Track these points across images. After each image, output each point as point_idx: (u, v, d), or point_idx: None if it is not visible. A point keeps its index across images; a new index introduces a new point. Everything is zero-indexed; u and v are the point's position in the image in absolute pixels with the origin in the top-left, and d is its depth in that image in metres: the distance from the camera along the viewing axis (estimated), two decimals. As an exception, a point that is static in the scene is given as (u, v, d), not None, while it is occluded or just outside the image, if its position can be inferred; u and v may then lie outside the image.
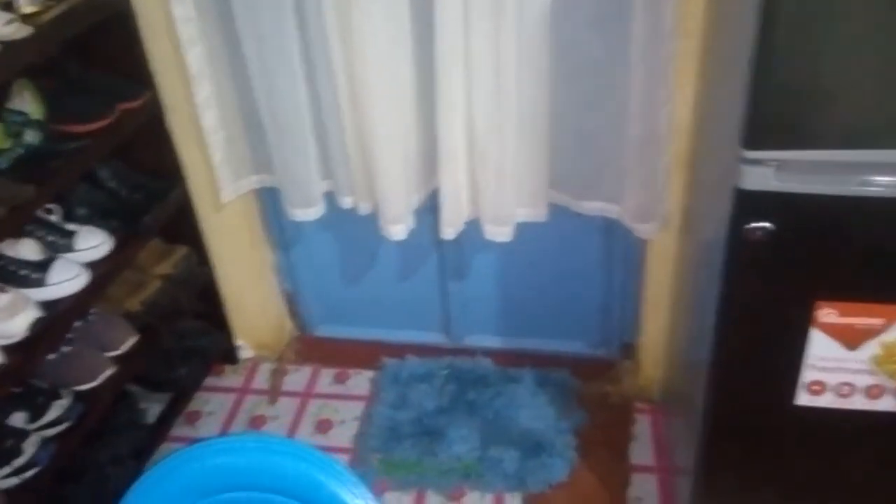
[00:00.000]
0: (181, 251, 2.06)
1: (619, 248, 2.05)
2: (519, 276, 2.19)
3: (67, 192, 1.80)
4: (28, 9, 1.56)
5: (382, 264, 2.26)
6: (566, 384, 2.18)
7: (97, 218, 1.82)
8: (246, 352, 2.36)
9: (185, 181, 2.02)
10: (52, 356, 1.69)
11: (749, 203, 1.20)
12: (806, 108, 1.14)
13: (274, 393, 2.26)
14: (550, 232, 1.94)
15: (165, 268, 2.01)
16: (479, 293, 2.25)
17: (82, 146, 1.70)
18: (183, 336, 2.15)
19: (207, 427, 2.15)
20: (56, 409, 1.60)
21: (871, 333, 1.29)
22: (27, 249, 1.66)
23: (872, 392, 1.34)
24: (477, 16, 1.61)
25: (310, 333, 2.45)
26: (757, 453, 1.50)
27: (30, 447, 1.51)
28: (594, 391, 2.18)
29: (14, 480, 1.49)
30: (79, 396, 1.70)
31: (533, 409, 2.08)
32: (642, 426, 2.08)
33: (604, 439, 2.04)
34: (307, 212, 2.00)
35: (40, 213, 1.71)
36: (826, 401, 1.35)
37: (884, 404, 1.35)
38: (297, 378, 2.31)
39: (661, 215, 1.79)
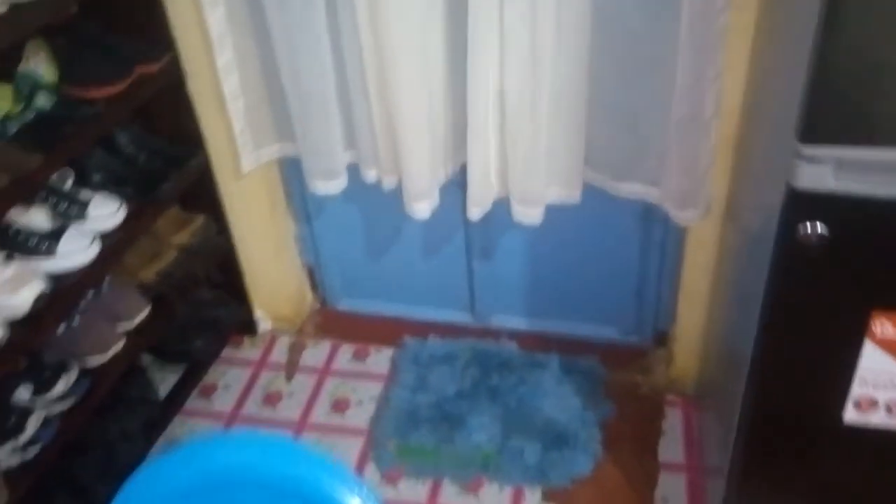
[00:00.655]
0: (199, 220, 1.99)
1: (656, 232, 1.94)
2: (548, 256, 2.09)
3: (82, 157, 1.74)
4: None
5: (407, 239, 2.18)
6: (594, 372, 2.09)
7: (112, 184, 1.76)
8: (265, 324, 2.30)
9: (206, 148, 1.94)
10: (61, 328, 1.64)
11: (803, 203, 1.08)
12: (873, 100, 1.01)
13: (291, 368, 2.20)
14: (583, 212, 1.83)
15: (183, 237, 1.95)
16: (506, 272, 2.16)
17: (97, 112, 1.62)
18: (199, 306, 2.10)
19: (222, 401, 2.10)
20: (62, 384, 1.55)
21: (930, 349, 1.18)
22: (37, 218, 1.60)
23: (928, 412, 1.23)
24: (514, -19, 1.49)
25: (331, 307, 2.38)
26: (796, 465, 1.40)
27: (32, 424, 1.47)
28: (623, 381, 2.08)
29: (16, 458, 1.45)
30: (87, 371, 1.65)
31: (558, 398, 1.99)
32: (673, 421, 1.99)
33: (631, 433, 1.95)
34: (329, 184, 1.91)
35: (52, 180, 1.65)
36: (877, 419, 1.24)
37: (940, 426, 1.24)
38: (315, 353, 2.24)
39: (704, 202, 1.66)
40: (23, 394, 1.52)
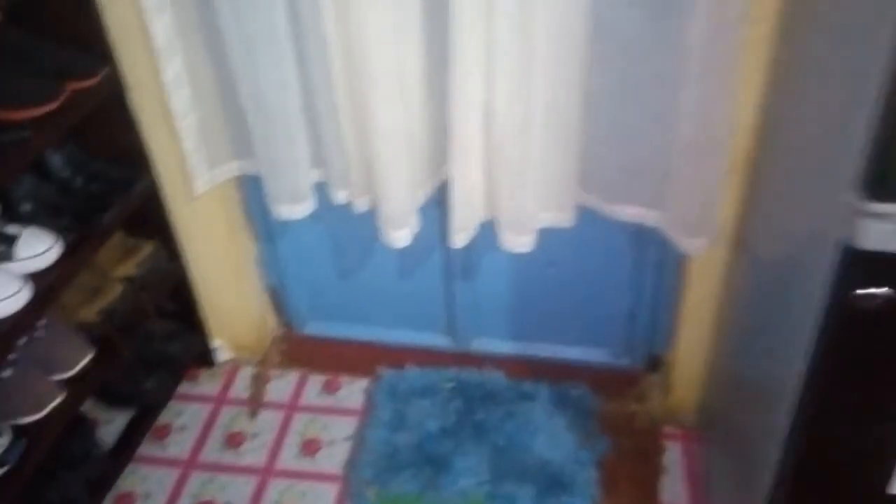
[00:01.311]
0: (147, 248, 1.78)
1: (651, 252, 1.79)
2: (534, 275, 1.92)
3: (8, 186, 1.51)
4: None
5: (380, 257, 1.98)
6: (586, 403, 1.93)
7: (45, 215, 1.53)
8: (224, 353, 2.10)
9: (153, 169, 1.72)
10: (-12, 385, 1.43)
11: (865, 265, 0.93)
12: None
13: (255, 403, 2.00)
14: (573, 229, 1.66)
15: (129, 268, 1.73)
16: (488, 292, 1.98)
17: (23, 136, 1.40)
18: (151, 340, 1.88)
19: (178, 445, 1.90)
20: (-9, 453, 1.34)
21: None
22: (-46, 261, 1.38)
23: None
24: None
25: (297, 332, 2.18)
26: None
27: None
28: (618, 411, 1.93)
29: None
30: (21, 431, 1.44)
31: (550, 435, 1.83)
32: (673, 456, 1.84)
33: (630, 473, 1.80)
34: (295, 209, 1.71)
35: (-29, 214, 1.43)
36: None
37: None
38: (281, 386, 2.05)
39: (713, 230, 1.51)
40: (-58, 469, 1.31)
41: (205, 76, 1.60)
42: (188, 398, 2.01)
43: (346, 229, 1.93)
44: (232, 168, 1.75)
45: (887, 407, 1.06)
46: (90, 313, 1.64)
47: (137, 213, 1.70)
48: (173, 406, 1.98)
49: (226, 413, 1.98)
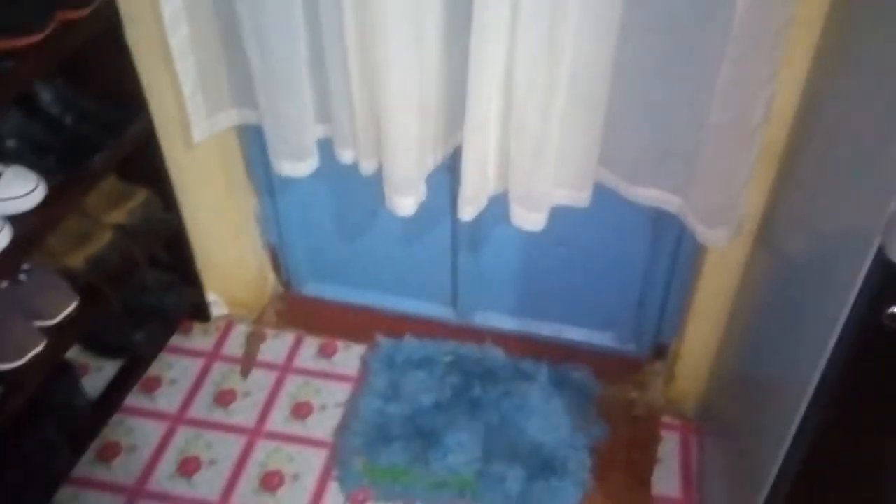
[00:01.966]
0: (140, 196, 1.70)
1: (667, 238, 1.70)
2: (543, 252, 1.84)
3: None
4: None
5: (385, 222, 1.90)
6: (586, 386, 1.87)
7: (31, 154, 1.46)
8: (219, 309, 2.04)
9: (148, 112, 1.64)
10: (-35, 330, 1.38)
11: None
12: None
13: (248, 362, 1.95)
14: (588, 208, 1.57)
15: (119, 216, 1.66)
16: (495, 265, 1.90)
17: (6, 67, 1.31)
18: (142, 291, 1.82)
19: (167, 399, 1.85)
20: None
21: None
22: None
23: None
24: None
25: (295, 291, 2.11)
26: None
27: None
28: (617, 397, 1.87)
29: None
30: (0, 378, 1.39)
31: (546, 417, 1.77)
32: (669, 446, 1.78)
33: (624, 461, 1.74)
34: (297, 166, 1.62)
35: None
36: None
37: None
38: (276, 346, 1.99)
39: (736, 221, 1.42)
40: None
41: (206, 15, 1.49)
42: (180, 352, 1.96)
43: (352, 190, 1.84)
44: (232, 117, 1.66)
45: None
46: (77, 260, 1.57)
47: (131, 159, 1.62)
48: (165, 359, 1.93)
49: (218, 370, 1.93)
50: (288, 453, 1.74)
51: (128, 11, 1.51)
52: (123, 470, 1.70)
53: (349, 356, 1.96)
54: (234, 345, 1.99)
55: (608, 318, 1.93)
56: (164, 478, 1.69)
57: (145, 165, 1.70)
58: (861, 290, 0.88)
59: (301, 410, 1.83)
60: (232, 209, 1.89)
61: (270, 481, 1.69)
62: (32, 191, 1.39)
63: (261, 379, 1.91)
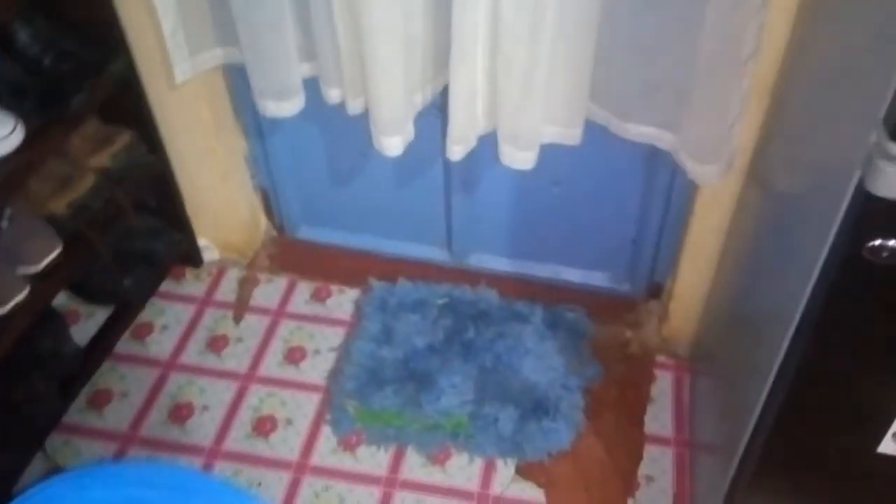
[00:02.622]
0: (125, 138, 1.67)
1: (661, 176, 1.66)
2: (537, 192, 1.81)
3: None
4: None
5: (378, 163, 1.87)
6: (580, 327, 1.86)
7: (8, 96, 1.42)
8: (211, 253, 2.02)
9: (130, 51, 1.59)
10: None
11: (879, 214, 0.82)
12: None
13: (240, 307, 1.94)
14: (580, 147, 1.53)
15: (102, 159, 1.63)
16: (489, 207, 1.88)
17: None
18: (130, 236, 1.80)
19: (159, 345, 1.85)
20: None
21: None
22: None
23: None
24: None
25: (289, 235, 2.09)
26: (813, 477, 1.19)
27: None
28: (612, 337, 1.86)
29: None
30: (-17, 326, 1.39)
31: (539, 358, 1.77)
32: (662, 385, 1.78)
33: (618, 400, 1.74)
34: (282, 105, 1.59)
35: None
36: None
37: None
38: (268, 291, 1.98)
39: (727, 158, 1.38)
40: None
41: (184, -50, 1.44)
42: (172, 297, 1.95)
43: (343, 131, 1.80)
44: (216, 56, 1.62)
45: (882, 364, 0.97)
46: (60, 205, 1.55)
47: (113, 100, 1.59)
48: (156, 305, 1.93)
49: (210, 315, 1.92)
50: (281, 398, 1.74)
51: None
52: (115, 416, 1.70)
53: (343, 300, 1.95)
54: (227, 290, 1.98)
55: (603, 258, 1.91)
56: (156, 424, 1.69)
57: (128, 107, 1.66)
58: (842, 224, 0.86)
59: (294, 355, 1.83)
60: (220, 152, 1.86)
61: (263, 426, 1.69)
62: (10, 133, 1.36)
63: (254, 324, 1.90)
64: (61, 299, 1.87)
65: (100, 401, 1.73)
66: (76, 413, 1.70)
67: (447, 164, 1.79)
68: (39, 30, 1.50)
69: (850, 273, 0.89)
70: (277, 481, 1.60)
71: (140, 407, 1.72)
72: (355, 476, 1.61)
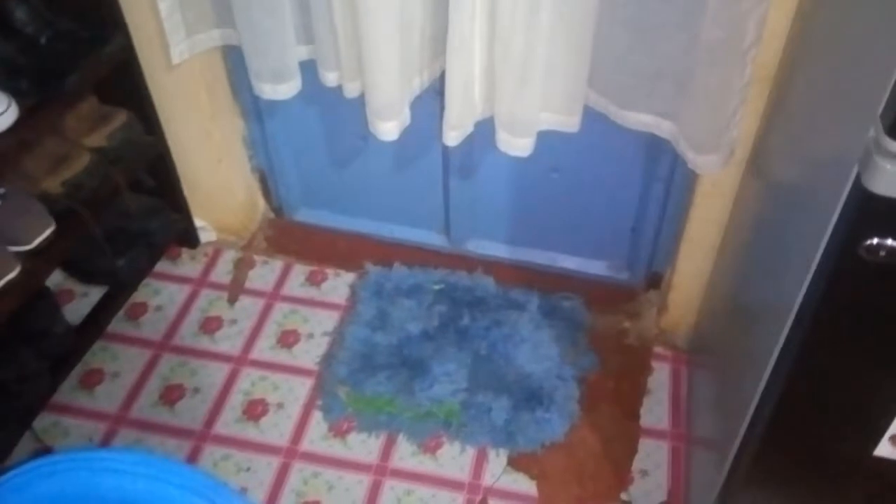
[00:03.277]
0: (120, 118, 1.65)
1: (662, 165, 1.65)
2: (536, 179, 1.79)
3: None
4: None
5: (376, 147, 1.82)
6: (577, 316, 1.84)
7: (3, 75, 1.41)
8: (208, 234, 2.01)
9: (128, 30, 1.58)
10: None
11: (877, 212, 0.80)
12: None
13: (235, 289, 1.93)
14: (580, 134, 1.51)
15: (99, 139, 1.62)
16: (487, 192, 1.86)
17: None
18: (126, 216, 1.79)
19: (152, 325, 1.84)
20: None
21: None
22: None
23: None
24: None
25: (286, 218, 2.08)
26: (808, 476, 1.18)
27: None
28: (609, 327, 1.85)
29: None
30: (-26, 305, 1.38)
31: (535, 347, 1.75)
32: (660, 377, 1.76)
33: (613, 391, 1.73)
34: (279, 88, 1.57)
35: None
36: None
37: None
38: (264, 273, 1.97)
39: (728, 148, 1.36)
40: None
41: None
42: (167, 278, 1.94)
43: (342, 114, 1.78)
44: (213, 37, 1.60)
45: (878, 364, 0.95)
46: (54, 184, 1.54)
47: (110, 80, 1.58)
48: (151, 285, 1.92)
49: (204, 296, 1.91)
50: (273, 382, 1.74)
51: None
52: (106, 397, 1.70)
53: (338, 284, 1.94)
54: (223, 271, 1.97)
55: (601, 247, 1.89)
56: (147, 405, 1.69)
57: (125, 87, 1.65)
58: (839, 220, 0.84)
59: (288, 339, 1.82)
60: (218, 133, 1.84)
61: (254, 410, 1.69)
62: (3, 112, 1.35)
63: (248, 306, 1.89)
64: (55, 278, 1.87)
65: (91, 381, 1.73)
66: (66, 393, 1.70)
67: (445, 148, 1.76)
68: (36, 8, 1.49)
69: (846, 270, 0.87)
70: (266, 466, 1.59)
71: (131, 388, 1.72)
72: (345, 463, 1.60)
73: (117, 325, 1.82)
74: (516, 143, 1.46)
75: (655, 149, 1.60)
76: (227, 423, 1.66)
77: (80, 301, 1.85)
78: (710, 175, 1.47)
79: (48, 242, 1.49)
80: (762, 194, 1.34)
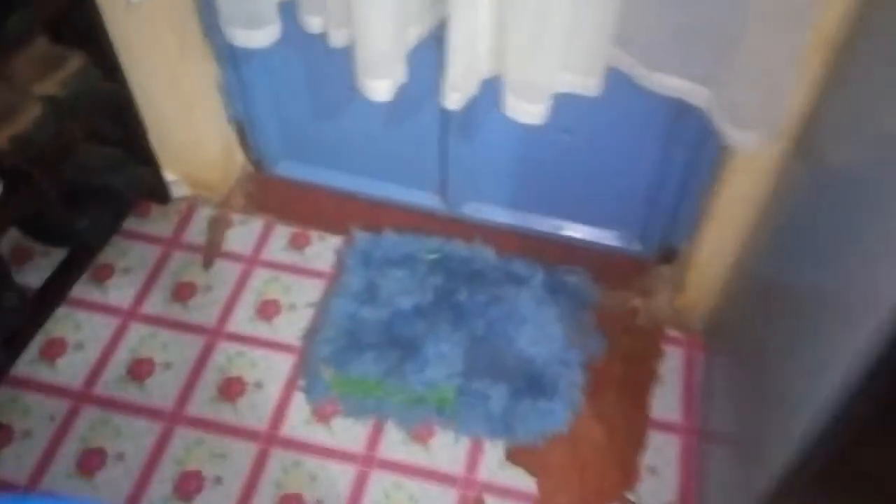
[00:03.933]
0: (76, 62, 1.45)
1: (688, 134, 1.46)
2: (545, 140, 1.59)
3: None
4: None
5: (366, 99, 1.66)
6: (584, 293, 1.69)
7: (-70, 12, 1.21)
8: (181, 189, 1.83)
9: (79, -40, 1.37)
10: None
11: None
12: None
13: (211, 251, 1.76)
14: (595, 98, 1.33)
15: (51, 86, 1.42)
16: (489, 151, 1.67)
17: None
18: (86, 171, 1.61)
19: (120, 290, 1.68)
20: None
21: None
22: None
23: None
24: None
25: (267, 172, 1.89)
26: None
27: None
28: (618, 305, 1.70)
29: None
30: None
31: (537, 327, 1.60)
32: (672, 363, 1.62)
33: (621, 378, 1.59)
34: (253, 35, 1.37)
35: None
36: None
37: None
38: (243, 234, 1.80)
39: (773, 124, 1.18)
40: None
41: None
42: (136, 236, 1.77)
43: (327, 60, 1.57)
44: (180, -29, 1.39)
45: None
46: (1, 140, 1.35)
47: (64, 19, 1.38)
48: (118, 244, 1.75)
49: (177, 259, 1.75)
50: (251, 358, 1.59)
51: None
52: (69, 370, 1.55)
53: (324, 249, 1.78)
54: (197, 231, 1.80)
55: (613, 215, 1.72)
56: (112, 381, 1.54)
57: (80, 26, 1.44)
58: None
59: (267, 309, 1.67)
60: (188, 79, 1.64)
61: (230, 389, 1.54)
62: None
63: (224, 271, 1.73)
64: (13, 238, 1.69)
65: (53, 352, 1.58)
66: (27, 364, 1.55)
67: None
68: (-31, -69, 1.27)
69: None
70: (243, 453, 1.46)
71: (96, 361, 1.57)
72: (329, 451, 1.47)
73: (82, 288, 1.66)
74: (527, 110, 1.28)
75: (681, 112, 1.41)
76: (201, 402, 1.52)
77: (41, 261, 1.68)
78: (747, 151, 1.29)
79: (-7, 207, 1.31)
80: (810, 176, 1.17)
